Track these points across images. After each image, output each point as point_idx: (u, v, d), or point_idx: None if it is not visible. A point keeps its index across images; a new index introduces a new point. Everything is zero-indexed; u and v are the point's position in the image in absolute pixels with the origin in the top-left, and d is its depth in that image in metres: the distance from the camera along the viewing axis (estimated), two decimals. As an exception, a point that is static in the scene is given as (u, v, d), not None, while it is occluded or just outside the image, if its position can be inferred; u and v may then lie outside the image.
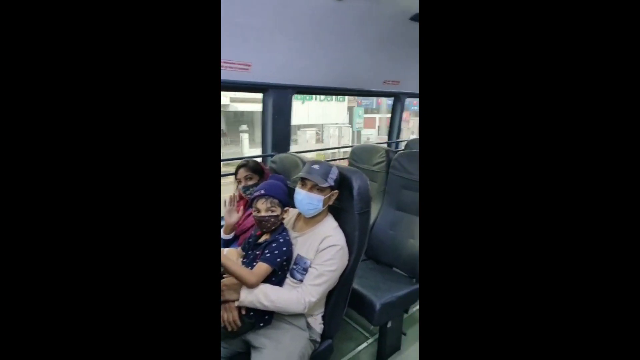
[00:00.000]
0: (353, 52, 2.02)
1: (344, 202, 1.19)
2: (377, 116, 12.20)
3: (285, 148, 2.08)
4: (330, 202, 1.17)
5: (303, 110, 9.88)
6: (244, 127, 9.74)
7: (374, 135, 11.48)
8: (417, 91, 2.90)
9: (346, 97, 9.81)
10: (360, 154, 2.21)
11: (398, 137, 3.05)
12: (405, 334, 1.76)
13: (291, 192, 1.19)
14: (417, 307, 2.12)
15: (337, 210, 1.22)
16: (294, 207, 1.19)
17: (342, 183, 1.18)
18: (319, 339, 1.18)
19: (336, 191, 1.17)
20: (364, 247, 1.22)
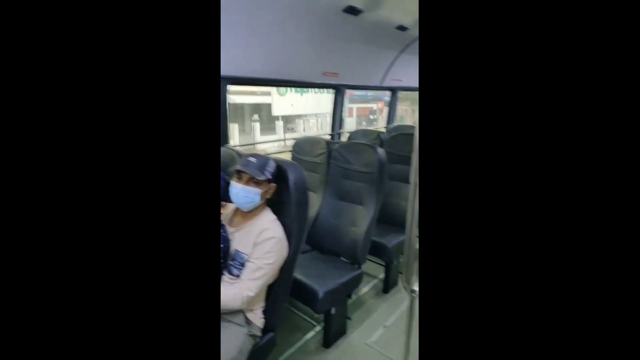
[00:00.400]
0: (289, 43, 2.00)
1: (281, 195, 1.19)
2: (354, 106, 13.47)
3: (222, 141, 2.01)
4: (268, 196, 1.16)
5: (302, 101, 10.97)
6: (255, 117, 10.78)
7: (353, 123, 12.94)
8: (357, 83, 2.98)
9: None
10: (302, 146, 2.21)
11: (341, 127, 3.11)
12: (350, 318, 1.83)
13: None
14: (362, 291, 2.21)
15: (275, 203, 1.21)
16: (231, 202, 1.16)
17: (279, 175, 1.18)
18: (259, 333, 1.17)
19: (274, 184, 1.16)
20: (303, 238, 1.23)
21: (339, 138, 3.15)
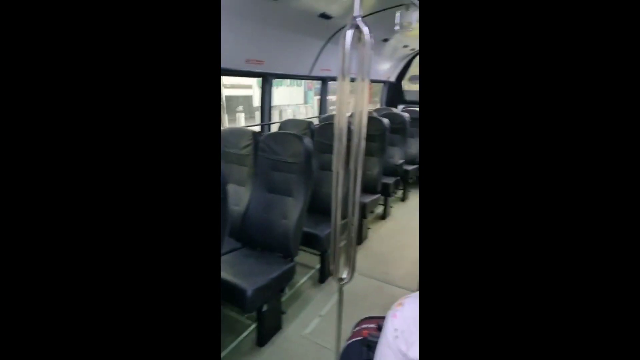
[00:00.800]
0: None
1: None
2: (316, 97, 14.59)
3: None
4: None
5: (277, 94, 13.12)
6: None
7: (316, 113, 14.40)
8: (284, 72, 2.90)
9: (302, 82, 12.64)
10: (228, 138, 2.08)
11: (269, 119, 3.02)
12: (284, 313, 1.80)
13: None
14: (298, 283, 2.20)
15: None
16: None
17: None
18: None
19: None
20: (225, 236, 1.16)
21: (269, 129, 3.06)
